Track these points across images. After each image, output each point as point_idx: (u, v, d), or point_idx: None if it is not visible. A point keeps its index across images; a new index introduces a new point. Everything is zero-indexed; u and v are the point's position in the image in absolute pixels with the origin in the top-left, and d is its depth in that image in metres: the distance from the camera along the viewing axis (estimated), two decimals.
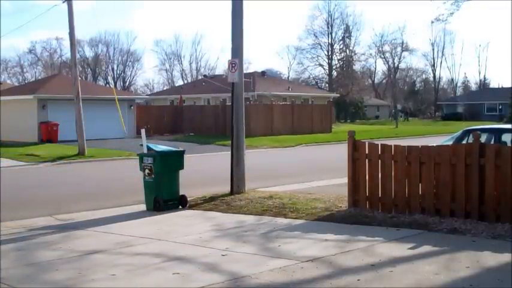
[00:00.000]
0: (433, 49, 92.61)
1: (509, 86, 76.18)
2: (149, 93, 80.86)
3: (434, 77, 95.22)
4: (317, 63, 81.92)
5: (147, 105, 48.75)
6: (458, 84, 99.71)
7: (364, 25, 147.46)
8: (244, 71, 14.52)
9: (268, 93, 49.44)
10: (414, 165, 9.38)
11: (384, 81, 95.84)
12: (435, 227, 8.52)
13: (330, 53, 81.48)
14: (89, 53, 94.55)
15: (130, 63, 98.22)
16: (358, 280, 6.07)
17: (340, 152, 14.20)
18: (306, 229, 8.90)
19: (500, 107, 74.36)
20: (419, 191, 9.41)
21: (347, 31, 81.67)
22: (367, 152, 9.92)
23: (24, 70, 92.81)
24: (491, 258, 6.81)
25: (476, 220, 8.68)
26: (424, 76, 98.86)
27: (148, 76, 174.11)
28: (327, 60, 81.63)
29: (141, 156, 11.60)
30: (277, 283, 6.08)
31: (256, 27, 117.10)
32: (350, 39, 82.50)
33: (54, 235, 9.16)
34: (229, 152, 13.37)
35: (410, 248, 7.39)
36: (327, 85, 79.48)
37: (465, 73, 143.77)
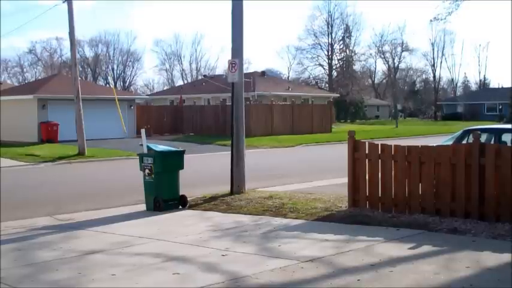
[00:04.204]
0: (433, 49, 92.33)
1: (509, 86, 76.15)
2: (149, 93, 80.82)
3: (434, 77, 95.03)
4: (317, 63, 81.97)
5: (147, 105, 48.66)
6: (458, 84, 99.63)
7: (364, 25, 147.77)
8: (244, 71, 14.52)
9: (268, 93, 49.43)
10: (414, 165, 9.38)
11: (384, 81, 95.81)
12: (435, 227, 8.52)
13: (330, 53, 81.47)
14: (89, 53, 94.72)
15: (130, 63, 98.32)
16: (358, 280, 6.07)
17: (340, 152, 14.19)
18: (306, 229, 8.91)
19: (500, 107, 74.36)
20: (419, 191, 9.41)
21: (347, 31, 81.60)
22: (367, 152, 9.92)
23: (24, 70, 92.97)
24: (491, 258, 6.81)
25: (477, 220, 8.68)
26: (424, 76, 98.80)
27: (148, 76, 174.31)
28: (327, 60, 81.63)
29: (141, 156, 11.60)
30: (277, 283, 6.09)
31: (256, 27, 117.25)
32: (350, 39, 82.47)
33: (54, 235, 9.17)
34: (229, 152, 13.38)
35: (410, 248, 7.39)
36: (327, 85, 79.43)
37: (465, 73, 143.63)
